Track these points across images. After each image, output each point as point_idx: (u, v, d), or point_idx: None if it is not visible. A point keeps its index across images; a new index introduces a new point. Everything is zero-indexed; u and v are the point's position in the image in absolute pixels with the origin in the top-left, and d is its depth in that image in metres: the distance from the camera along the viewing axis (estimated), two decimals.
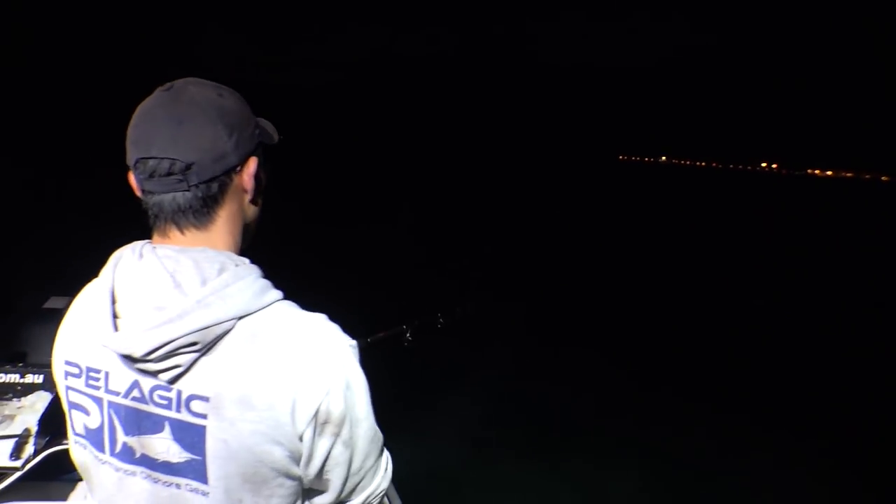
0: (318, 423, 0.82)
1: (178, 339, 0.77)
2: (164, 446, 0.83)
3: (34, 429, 1.52)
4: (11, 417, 1.59)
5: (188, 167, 0.83)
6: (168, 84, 0.88)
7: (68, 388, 0.90)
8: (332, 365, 0.83)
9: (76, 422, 0.90)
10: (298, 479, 0.86)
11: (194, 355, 0.79)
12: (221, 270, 0.82)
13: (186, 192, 0.84)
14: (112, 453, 0.87)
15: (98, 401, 0.87)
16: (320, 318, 0.87)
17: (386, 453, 0.99)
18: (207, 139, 0.83)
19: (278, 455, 0.81)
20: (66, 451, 1.56)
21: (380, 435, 0.94)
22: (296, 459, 0.83)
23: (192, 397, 0.80)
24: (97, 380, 0.86)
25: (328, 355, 0.83)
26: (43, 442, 1.50)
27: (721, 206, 29.77)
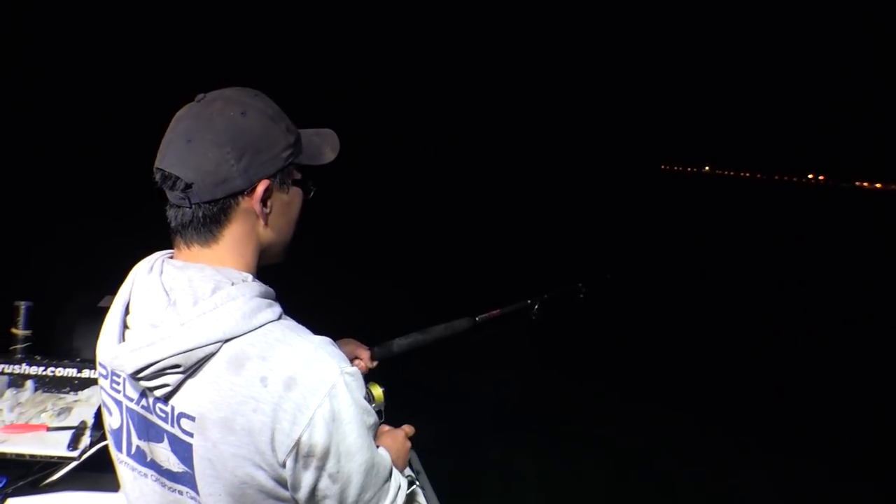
0: (300, 455, 0.79)
1: (161, 360, 0.78)
2: (165, 455, 0.86)
3: (90, 421, 1.59)
4: (69, 410, 1.67)
5: (188, 186, 0.82)
6: (202, 94, 0.89)
7: (101, 388, 0.95)
8: (316, 395, 0.78)
9: (105, 420, 0.96)
10: (290, 501, 0.84)
11: (181, 376, 0.79)
12: (215, 290, 0.81)
13: (188, 210, 0.85)
14: (129, 454, 0.92)
15: (119, 403, 0.91)
16: (312, 344, 0.83)
17: (397, 481, 0.93)
18: (211, 161, 0.82)
19: (262, 479, 0.80)
20: None
21: (383, 467, 0.89)
22: (282, 484, 0.82)
23: (181, 415, 0.82)
24: (118, 384, 0.91)
25: (312, 384, 0.79)
26: (98, 434, 1.56)
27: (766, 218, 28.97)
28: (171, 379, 0.80)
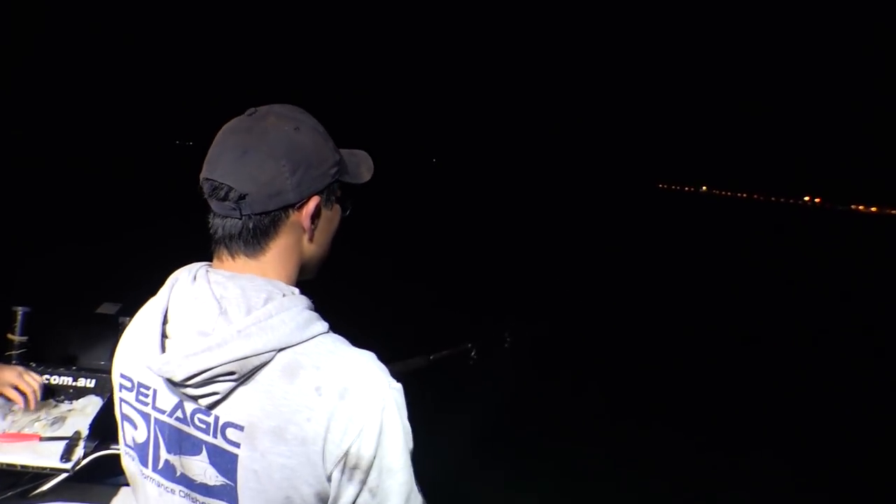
0: (348, 466, 0.79)
1: (216, 367, 0.77)
2: (201, 469, 0.84)
3: (84, 432, 1.56)
4: (63, 419, 1.64)
5: (242, 197, 0.83)
6: (254, 109, 0.90)
7: (122, 400, 0.93)
8: (368, 406, 0.79)
9: (126, 434, 0.93)
10: None
11: (232, 384, 0.79)
12: (268, 300, 0.82)
13: (238, 221, 0.85)
14: (155, 469, 0.90)
15: (146, 416, 0.89)
16: (364, 357, 0.84)
17: None
18: (266, 174, 0.83)
19: (306, 493, 0.80)
20: (112, 456, 1.59)
21: (421, 497, 0.88)
22: (323, 500, 0.81)
23: (227, 424, 0.81)
24: (146, 396, 0.89)
25: (364, 396, 0.80)
26: (92, 446, 1.53)
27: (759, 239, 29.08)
28: (222, 387, 0.79)
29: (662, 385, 5.87)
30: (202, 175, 0.87)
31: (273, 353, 0.79)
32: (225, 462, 0.82)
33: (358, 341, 0.87)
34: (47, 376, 1.72)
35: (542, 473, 3.97)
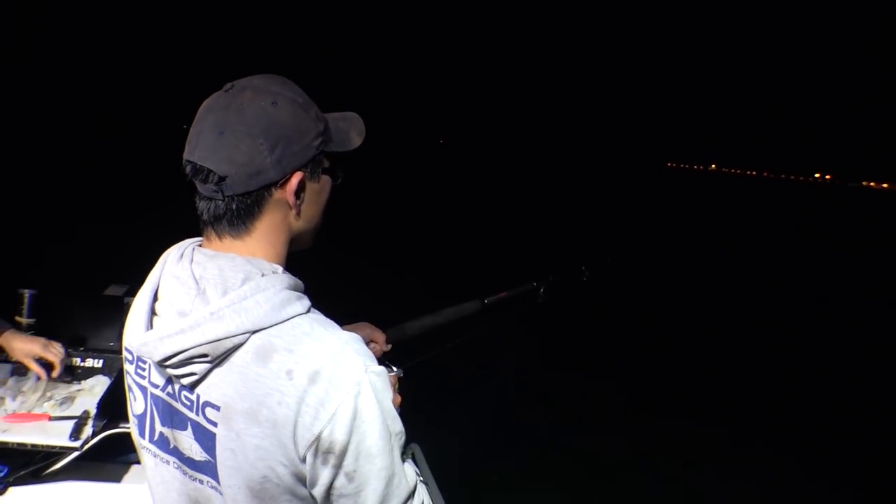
0: (320, 450, 0.78)
1: (189, 349, 0.77)
2: (188, 444, 0.85)
3: (93, 411, 1.57)
4: (72, 399, 1.65)
5: (222, 179, 0.81)
6: (231, 84, 0.87)
7: (126, 372, 0.94)
8: (340, 391, 0.78)
9: (131, 405, 0.95)
10: (308, 498, 0.83)
11: (207, 365, 0.79)
12: (245, 280, 0.81)
13: (221, 202, 0.84)
14: (151, 440, 0.91)
15: (143, 389, 0.91)
16: (340, 340, 0.82)
17: (419, 502, 0.89)
18: (244, 153, 0.81)
19: (282, 473, 0.80)
20: (121, 435, 1.61)
21: (406, 482, 0.86)
22: (301, 480, 0.81)
23: (206, 404, 0.81)
24: (144, 370, 0.90)
25: (336, 380, 0.78)
26: (101, 425, 1.55)
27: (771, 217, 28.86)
28: (199, 368, 0.79)
29: (672, 372, 5.84)
30: (184, 156, 0.85)
31: (247, 335, 0.78)
32: (206, 440, 0.83)
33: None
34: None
35: (557, 464, 3.97)
